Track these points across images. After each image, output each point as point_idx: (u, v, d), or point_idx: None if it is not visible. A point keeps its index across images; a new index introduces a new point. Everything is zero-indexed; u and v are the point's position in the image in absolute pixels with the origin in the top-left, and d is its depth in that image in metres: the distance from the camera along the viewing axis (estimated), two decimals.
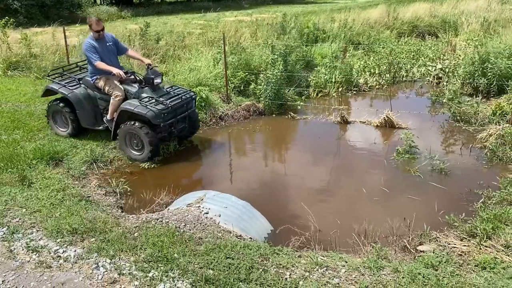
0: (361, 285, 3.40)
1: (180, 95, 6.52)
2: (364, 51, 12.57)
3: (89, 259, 3.68)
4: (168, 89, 6.65)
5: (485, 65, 8.79)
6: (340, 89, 9.99)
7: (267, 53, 10.10)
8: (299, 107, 8.99)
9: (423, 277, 3.48)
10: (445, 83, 9.85)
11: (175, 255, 3.70)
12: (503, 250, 4.01)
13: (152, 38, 11.28)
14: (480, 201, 5.21)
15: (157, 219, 4.39)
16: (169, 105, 6.17)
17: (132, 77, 6.39)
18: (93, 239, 3.98)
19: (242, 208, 4.73)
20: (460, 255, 4.05)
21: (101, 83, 6.48)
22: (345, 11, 17.24)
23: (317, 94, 9.94)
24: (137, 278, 3.42)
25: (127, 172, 6.14)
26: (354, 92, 10.11)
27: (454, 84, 9.01)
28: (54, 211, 4.50)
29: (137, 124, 6.14)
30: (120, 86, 6.41)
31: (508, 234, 4.20)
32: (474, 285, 3.42)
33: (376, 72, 10.79)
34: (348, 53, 11.37)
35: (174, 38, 12.11)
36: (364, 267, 3.68)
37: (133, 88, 6.39)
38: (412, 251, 4.23)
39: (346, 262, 3.78)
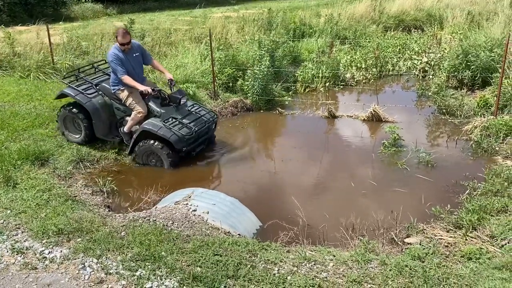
0: (349, 279, 3.42)
1: (203, 118, 6.35)
2: (351, 45, 12.59)
3: (75, 259, 3.65)
4: (189, 108, 6.45)
5: (468, 58, 8.87)
6: (327, 84, 10.00)
7: (254, 49, 10.07)
8: (286, 103, 9.00)
9: (410, 269, 3.52)
10: (430, 76, 9.93)
11: (163, 253, 3.68)
12: (488, 241, 4.07)
13: (137, 35, 11.16)
14: (466, 192, 5.28)
15: (145, 218, 4.36)
16: (194, 130, 6.02)
17: (158, 95, 6.14)
18: (80, 239, 3.94)
19: (231, 204, 4.72)
20: (447, 246, 4.10)
21: (123, 95, 6.16)
22: (332, 5, 17.25)
23: (304, 89, 9.94)
24: (124, 277, 3.40)
25: (114, 171, 6.09)
26: (341, 86, 10.13)
27: (439, 77, 9.08)
28: (40, 211, 4.44)
29: (155, 143, 5.98)
30: (143, 101, 6.16)
31: (493, 225, 4.26)
32: (460, 275, 3.46)
33: (363, 67, 10.82)
34: (334, 48, 11.38)
35: (160, 34, 12.00)
36: (352, 260, 3.70)
37: (156, 106, 6.16)
38: (400, 243, 4.27)
39: (334, 256, 3.80)
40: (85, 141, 6.51)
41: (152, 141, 6.02)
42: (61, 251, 3.75)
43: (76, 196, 5.12)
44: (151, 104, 6.19)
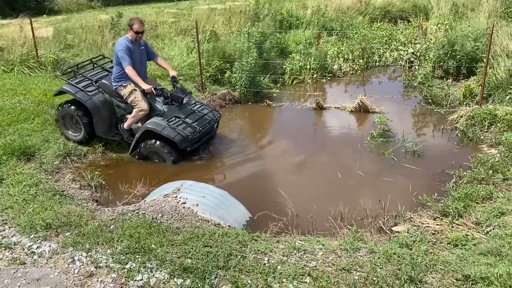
0: (338, 267, 3.45)
1: (206, 117, 6.27)
2: (338, 37, 12.62)
3: (64, 253, 3.63)
4: (192, 106, 6.34)
5: (454, 48, 8.95)
6: (314, 75, 10.03)
7: (241, 40, 10.04)
8: (274, 95, 9.01)
9: (398, 257, 3.57)
10: (416, 67, 10.02)
11: (153, 246, 3.68)
12: (474, 228, 4.15)
13: (124, 28, 11.03)
14: (452, 181, 5.36)
15: (134, 211, 4.35)
16: (198, 130, 5.94)
17: (161, 94, 6.02)
18: (68, 233, 3.91)
19: (220, 196, 4.72)
20: (433, 234, 4.16)
21: (124, 92, 6.01)
22: None
23: (292, 81, 9.96)
24: (114, 270, 3.40)
25: (102, 165, 6.06)
26: (329, 78, 10.17)
27: (425, 67, 9.15)
28: (27, 206, 4.40)
29: (158, 143, 5.93)
30: (146, 99, 6.02)
31: (478, 212, 4.34)
32: (446, 262, 3.52)
33: (350, 58, 10.87)
34: (321, 39, 11.40)
35: (146, 27, 11.88)
36: (340, 249, 3.74)
37: (159, 104, 6.04)
38: (387, 232, 4.33)
39: (323, 245, 3.84)
40: (85, 139, 6.37)
41: (153, 141, 5.94)
42: (49, 246, 3.72)
43: (64, 190, 5.08)
44: (153, 102, 6.06)
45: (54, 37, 10.30)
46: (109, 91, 6.24)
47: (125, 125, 6.20)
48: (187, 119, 6.04)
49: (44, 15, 15.01)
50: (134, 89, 5.99)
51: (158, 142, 5.95)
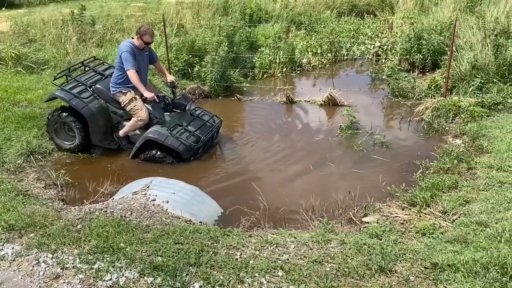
0: (310, 259, 3.47)
1: (208, 124, 6.14)
2: (306, 31, 12.67)
3: (28, 255, 3.49)
4: (192, 112, 6.18)
5: (420, 41, 9.14)
6: (284, 69, 10.05)
7: (209, 35, 9.93)
8: (245, 89, 8.97)
9: (368, 247, 3.62)
10: (383, 60, 10.18)
11: (122, 244, 3.59)
12: (441, 216, 4.25)
13: (87, 22, 10.73)
14: (419, 171, 5.48)
15: (101, 210, 4.23)
16: (202, 140, 5.82)
17: (163, 102, 5.83)
18: (32, 234, 3.77)
19: (191, 192, 4.66)
20: (402, 223, 4.24)
21: (123, 99, 5.78)
22: None
23: (262, 75, 9.94)
24: (81, 271, 3.29)
25: (68, 163, 5.88)
26: (298, 72, 10.21)
27: (392, 61, 9.31)
28: None
29: (159, 153, 5.78)
30: (145, 107, 5.80)
31: (445, 201, 4.46)
32: (415, 250, 3.60)
33: (318, 52, 10.94)
34: (290, 33, 11.42)
35: (111, 21, 11.59)
36: (312, 241, 3.76)
37: (159, 112, 5.84)
38: (358, 223, 4.38)
39: (295, 238, 3.85)
40: (79, 148, 6.08)
41: (159, 153, 5.79)
42: (12, 248, 3.57)
43: (28, 190, 4.90)
44: (154, 110, 5.87)
45: (15, 32, 9.90)
46: (105, 96, 5.97)
47: (121, 132, 5.99)
48: (189, 127, 5.92)
49: (3, 8, 14.42)
50: (134, 97, 5.76)
51: (159, 153, 5.79)
